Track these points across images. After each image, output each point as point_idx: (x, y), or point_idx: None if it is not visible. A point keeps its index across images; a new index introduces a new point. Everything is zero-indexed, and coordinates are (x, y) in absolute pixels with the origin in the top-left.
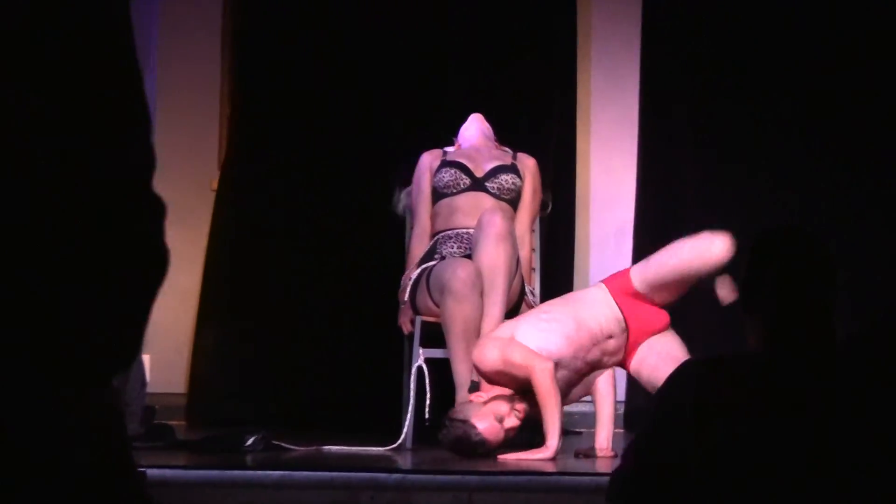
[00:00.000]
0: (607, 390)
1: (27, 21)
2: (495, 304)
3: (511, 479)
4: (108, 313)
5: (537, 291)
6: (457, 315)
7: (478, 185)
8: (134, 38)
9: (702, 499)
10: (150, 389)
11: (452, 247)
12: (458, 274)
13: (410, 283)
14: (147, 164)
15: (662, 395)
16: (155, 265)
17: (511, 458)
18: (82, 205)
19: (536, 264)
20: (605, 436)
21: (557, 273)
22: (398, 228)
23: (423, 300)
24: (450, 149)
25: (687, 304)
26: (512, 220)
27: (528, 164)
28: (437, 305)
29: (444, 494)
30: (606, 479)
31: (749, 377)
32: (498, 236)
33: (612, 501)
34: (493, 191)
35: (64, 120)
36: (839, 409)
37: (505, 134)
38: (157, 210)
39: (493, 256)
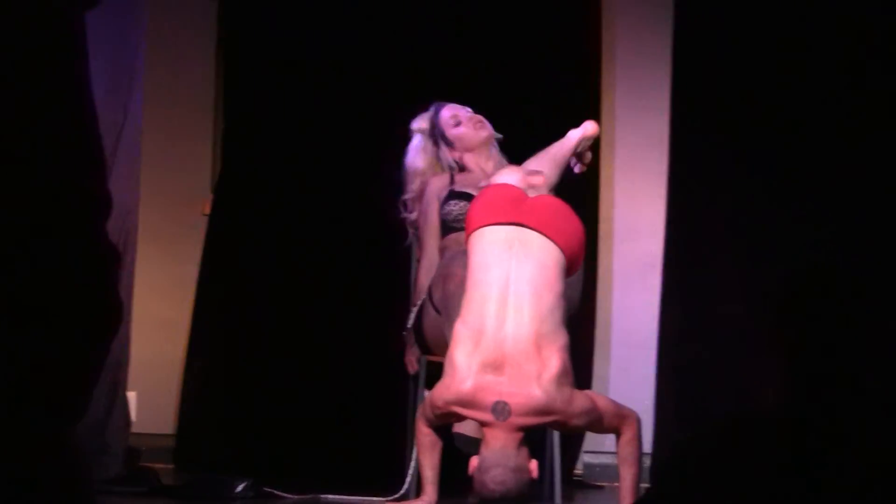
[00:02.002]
0: (628, 453)
1: None
2: None
3: None
4: (54, 366)
5: None
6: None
7: None
8: (89, 80)
9: None
10: (135, 429)
11: None
12: (462, 261)
13: (415, 311)
14: (99, 208)
15: (671, 456)
16: (104, 316)
17: None
18: (25, 252)
19: None
20: None
21: (576, 313)
22: (404, 259)
23: (429, 318)
24: (458, 174)
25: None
26: None
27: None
28: (440, 311)
29: None
30: None
31: (760, 439)
32: None
33: None
34: None
35: (7, 161)
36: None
37: (520, 157)
38: (108, 259)
39: None
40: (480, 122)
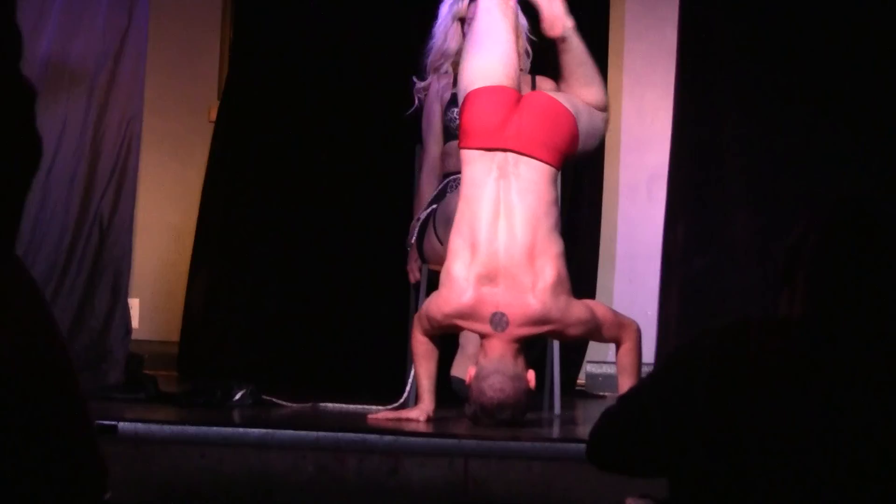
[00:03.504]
0: (628, 363)
1: None
2: None
3: (511, 445)
4: None
5: None
6: None
7: None
8: None
9: (698, 469)
10: (140, 336)
11: None
12: None
13: (418, 224)
14: (10, 43)
15: (674, 356)
16: (23, 150)
17: (382, 416)
18: None
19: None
20: None
21: (581, 224)
22: (407, 167)
23: (430, 243)
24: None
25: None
26: None
27: (548, 90)
28: (443, 243)
29: (439, 460)
30: None
31: (778, 344)
32: None
33: (590, 457)
34: None
35: None
36: (872, 386)
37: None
38: (23, 93)
39: None
40: None
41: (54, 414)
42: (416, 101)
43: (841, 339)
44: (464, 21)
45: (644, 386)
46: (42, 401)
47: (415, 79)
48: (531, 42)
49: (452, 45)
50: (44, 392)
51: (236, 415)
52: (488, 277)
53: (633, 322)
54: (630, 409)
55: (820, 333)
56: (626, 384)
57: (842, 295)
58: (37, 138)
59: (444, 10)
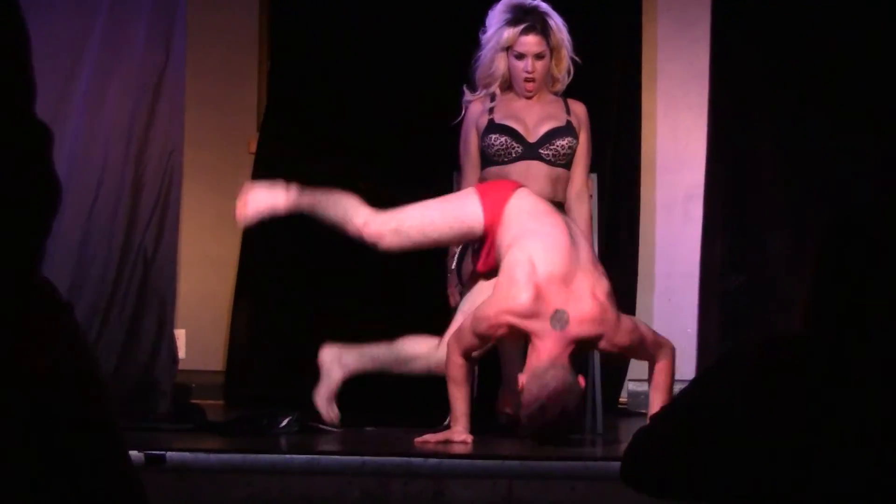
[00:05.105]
0: (662, 380)
1: None
2: None
3: (555, 465)
4: None
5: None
6: None
7: (531, 152)
8: None
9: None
10: (187, 367)
11: None
12: None
13: (458, 250)
14: (23, 87)
15: (709, 370)
16: (41, 193)
17: (432, 439)
18: None
19: (595, 234)
20: None
21: (619, 244)
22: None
23: (469, 268)
24: (499, 97)
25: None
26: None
27: (580, 115)
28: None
29: (483, 482)
30: None
31: (783, 359)
32: None
33: (625, 479)
34: (547, 158)
35: None
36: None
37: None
38: (39, 136)
39: None
40: (533, 82)
41: (88, 441)
42: (464, 111)
43: (837, 353)
44: (509, 49)
45: (678, 401)
46: (73, 427)
47: (465, 88)
48: (573, 62)
49: (500, 70)
50: (75, 419)
51: (282, 442)
52: (561, 278)
53: (670, 342)
54: (664, 425)
55: (817, 348)
56: (657, 402)
57: (830, 308)
58: (54, 179)
59: (490, 32)
